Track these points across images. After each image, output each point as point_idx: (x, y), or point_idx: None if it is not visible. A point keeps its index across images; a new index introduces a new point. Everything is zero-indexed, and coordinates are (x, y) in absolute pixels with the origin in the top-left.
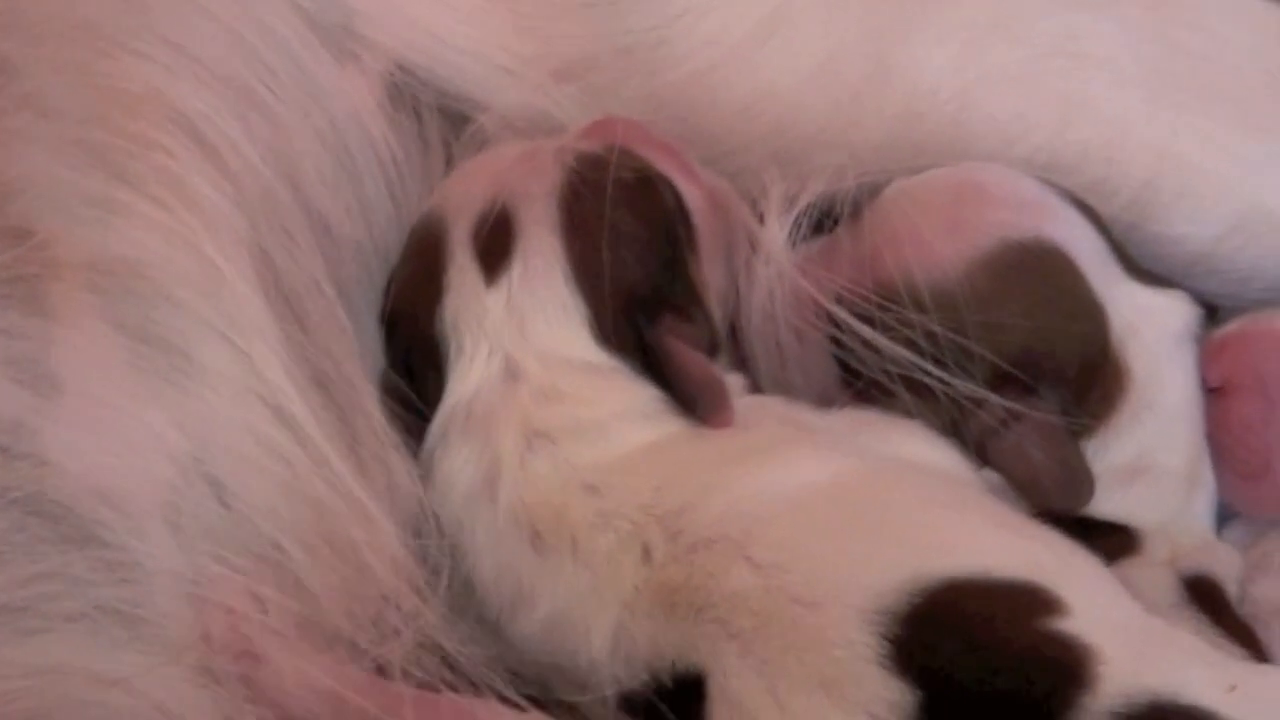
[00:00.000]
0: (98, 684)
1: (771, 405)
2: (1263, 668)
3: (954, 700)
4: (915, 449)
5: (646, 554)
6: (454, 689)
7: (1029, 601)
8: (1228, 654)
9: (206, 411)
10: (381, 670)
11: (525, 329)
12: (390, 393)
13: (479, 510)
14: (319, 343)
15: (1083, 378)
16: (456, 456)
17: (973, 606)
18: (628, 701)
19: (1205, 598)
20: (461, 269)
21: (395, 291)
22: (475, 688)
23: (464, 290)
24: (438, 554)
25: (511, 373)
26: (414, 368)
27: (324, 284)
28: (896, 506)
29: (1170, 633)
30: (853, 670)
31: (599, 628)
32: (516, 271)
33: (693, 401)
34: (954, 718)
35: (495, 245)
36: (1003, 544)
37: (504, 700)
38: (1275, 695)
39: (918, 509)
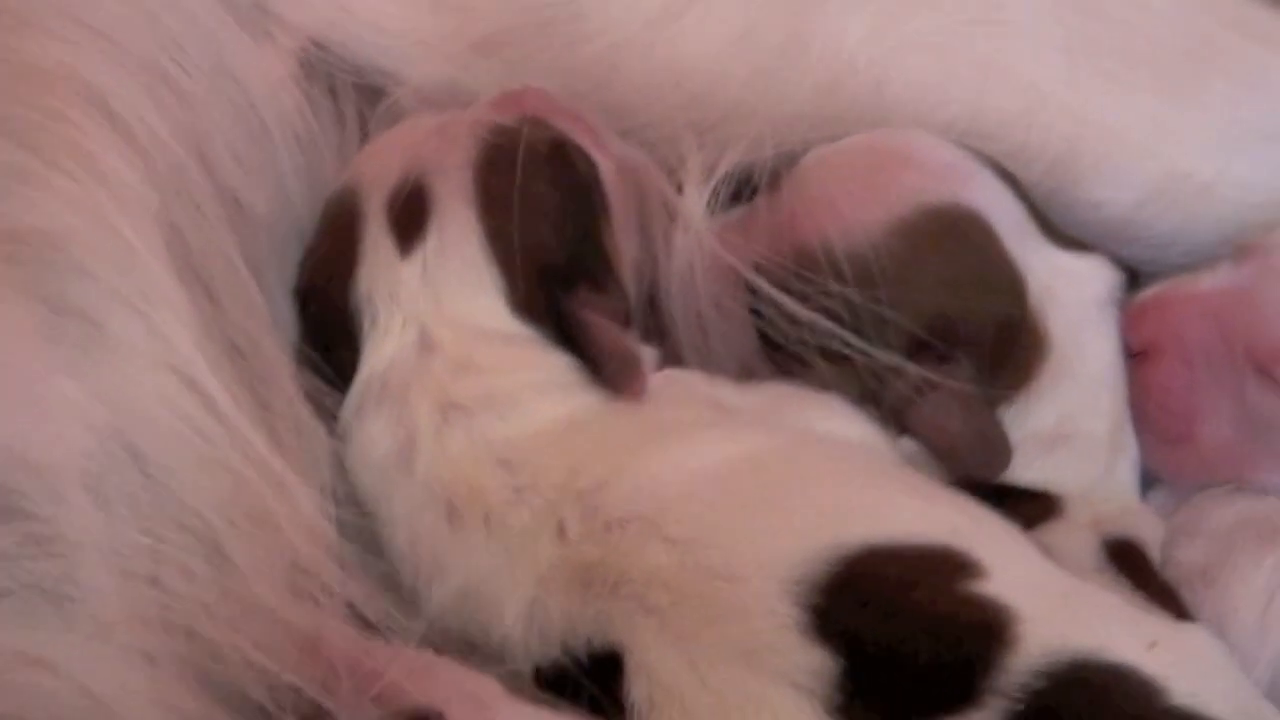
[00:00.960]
0: (24, 664)
1: (688, 380)
2: (1182, 625)
3: (876, 666)
4: (831, 423)
5: (561, 531)
6: None
7: (947, 565)
8: (1146, 611)
9: (122, 383)
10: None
11: (440, 300)
12: (305, 365)
13: (395, 482)
14: (231, 316)
15: (1000, 344)
16: (372, 428)
17: (891, 572)
18: (543, 676)
19: (1128, 561)
20: (376, 241)
21: (310, 264)
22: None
23: (378, 262)
24: (355, 525)
25: (426, 344)
26: (329, 340)
27: (236, 258)
28: (812, 478)
29: (1089, 592)
30: (774, 640)
31: (512, 603)
32: (431, 243)
33: (606, 372)
34: (877, 684)
35: (410, 217)
36: (919, 510)
37: None
38: (1194, 651)
39: (833, 480)
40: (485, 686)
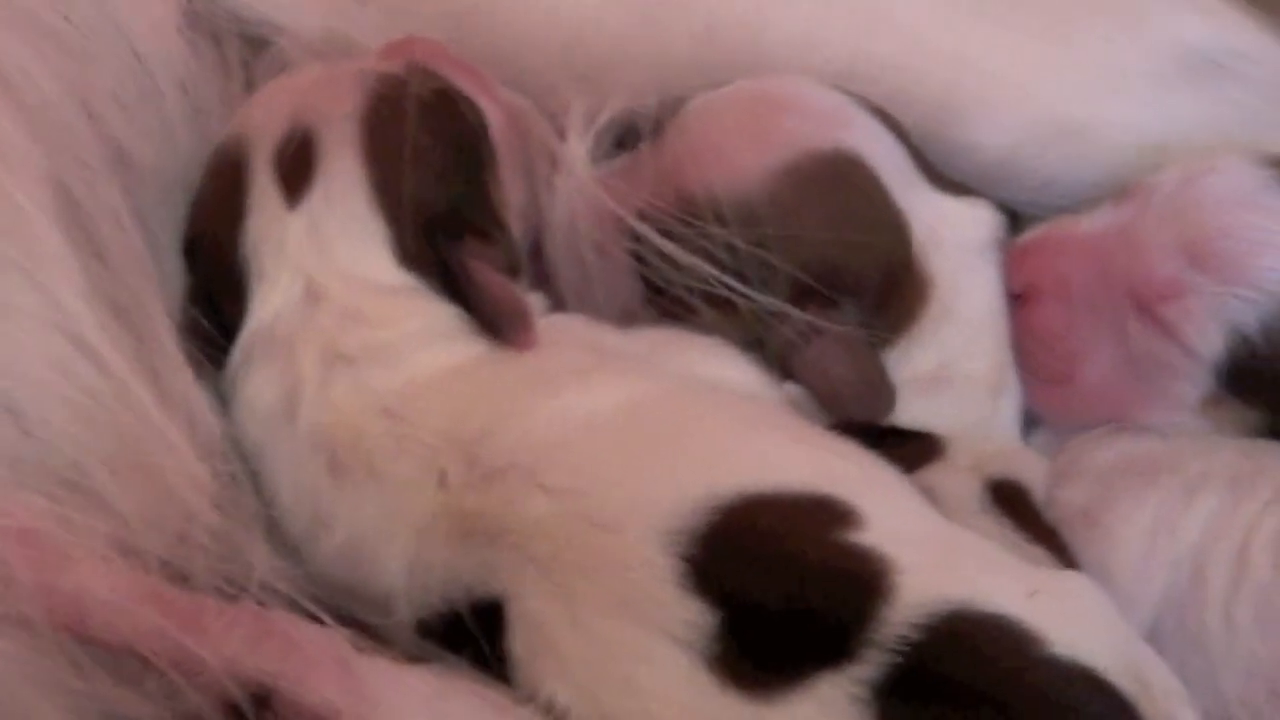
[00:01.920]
0: None
1: (572, 326)
2: (1062, 573)
3: (754, 618)
4: (714, 367)
5: (443, 480)
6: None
7: (824, 515)
8: (1030, 559)
9: (4, 342)
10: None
11: (327, 251)
12: (191, 318)
13: (279, 433)
14: (117, 272)
15: (884, 288)
16: (257, 379)
17: (768, 523)
18: (426, 627)
19: (1011, 502)
20: (263, 192)
21: (196, 216)
22: (284, 608)
23: (265, 213)
24: (241, 477)
25: (313, 295)
26: (216, 292)
27: (123, 213)
28: (690, 426)
29: (969, 541)
30: (651, 592)
31: (394, 554)
32: (318, 194)
33: (494, 323)
34: (755, 635)
35: (296, 168)
36: (797, 458)
37: (311, 618)
38: (1074, 599)
39: (712, 428)
40: (343, 646)
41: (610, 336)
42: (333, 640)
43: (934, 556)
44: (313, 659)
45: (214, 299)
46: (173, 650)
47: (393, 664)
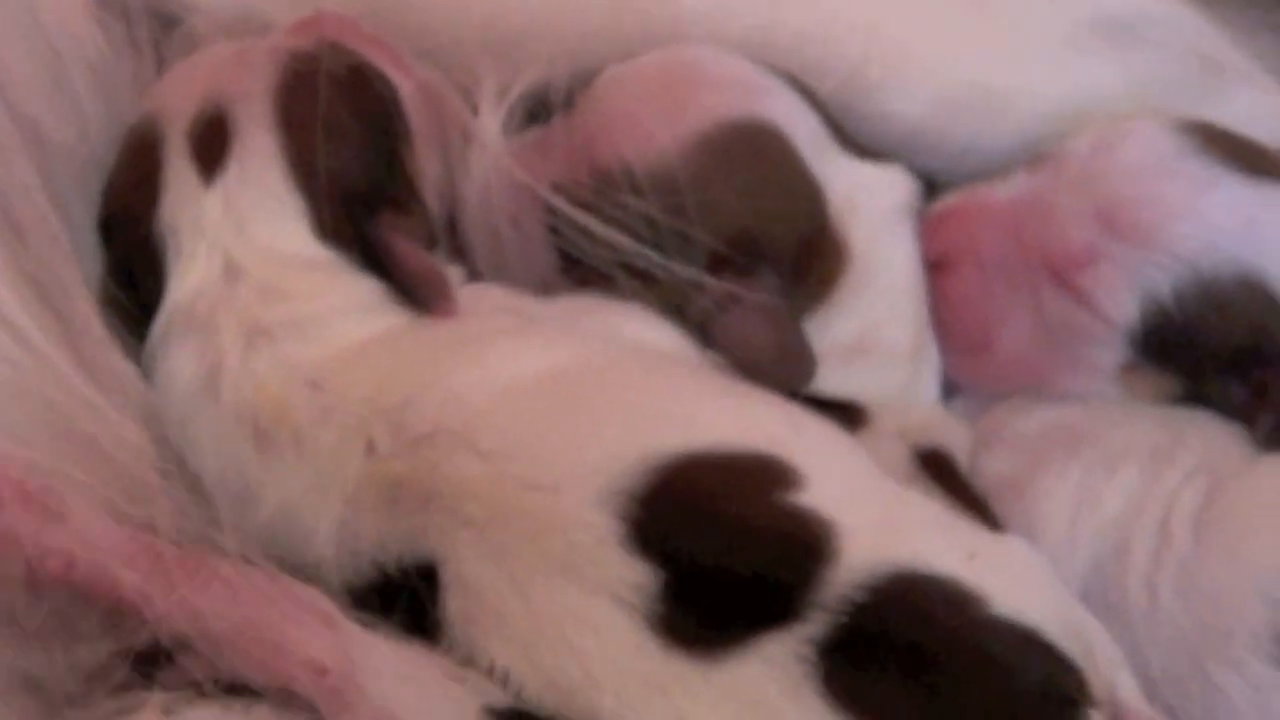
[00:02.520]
0: None
1: (492, 294)
2: (1001, 536)
3: (697, 579)
4: (636, 329)
5: (370, 448)
6: None
7: (765, 476)
8: (965, 521)
9: None
10: None
11: (244, 227)
12: (110, 296)
13: (202, 409)
14: (34, 250)
15: (802, 256)
16: (178, 356)
17: (709, 483)
18: (356, 594)
19: (938, 470)
20: (178, 170)
21: (112, 194)
22: None
23: (181, 191)
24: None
25: (231, 271)
26: (134, 270)
27: (35, 191)
28: (623, 386)
29: (910, 501)
30: (593, 553)
31: (323, 523)
32: (233, 170)
33: (415, 293)
34: (698, 596)
35: (211, 145)
36: (736, 417)
37: None
38: (1013, 560)
39: (646, 387)
40: (327, 603)
41: (530, 303)
42: (319, 598)
43: (875, 517)
44: (300, 616)
45: (132, 277)
46: (163, 604)
47: (363, 630)
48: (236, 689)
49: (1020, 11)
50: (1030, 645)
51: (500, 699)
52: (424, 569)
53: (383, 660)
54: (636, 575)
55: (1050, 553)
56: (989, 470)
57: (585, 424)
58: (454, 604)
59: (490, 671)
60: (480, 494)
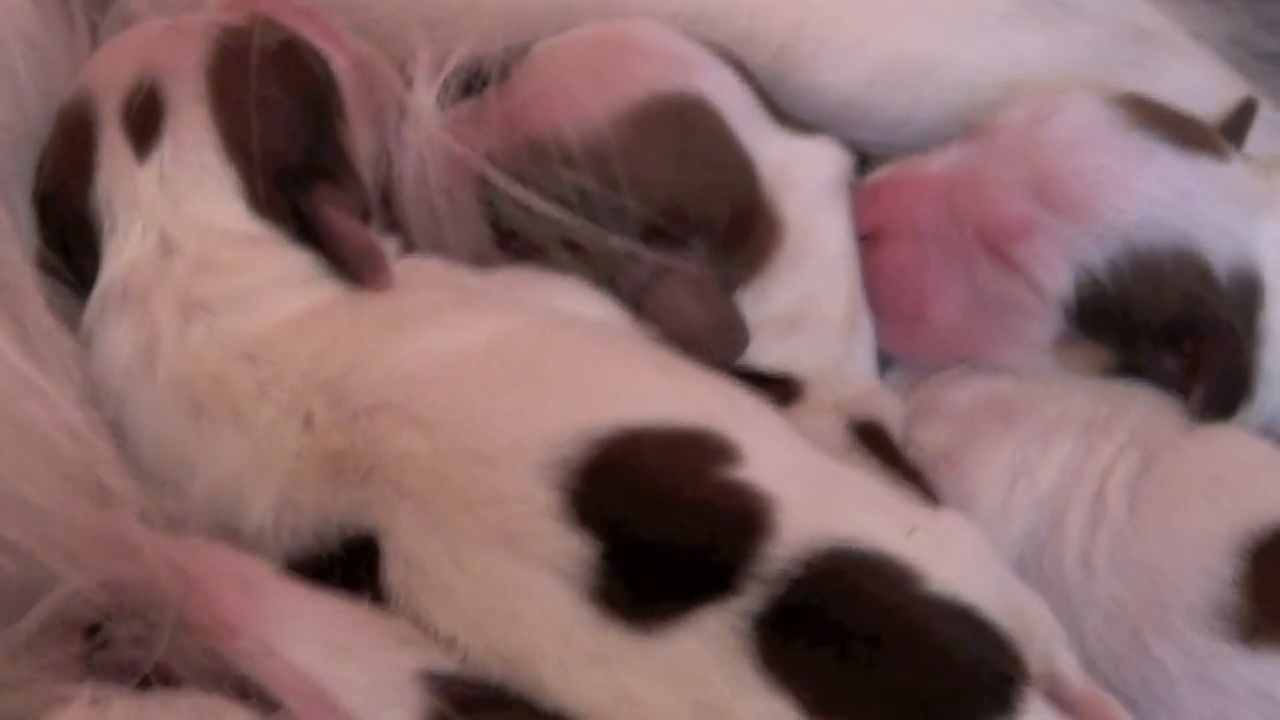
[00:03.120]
0: None
1: (429, 266)
2: (940, 512)
3: (636, 551)
4: (573, 303)
5: (309, 421)
6: None
7: (704, 450)
8: (903, 496)
9: None
10: None
11: (179, 202)
12: (47, 273)
13: (139, 384)
14: None
15: (734, 229)
16: (114, 332)
17: (648, 457)
18: (297, 566)
19: (873, 443)
20: (112, 146)
21: (47, 171)
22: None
23: (115, 167)
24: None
25: (167, 246)
26: (70, 247)
27: None
28: (562, 359)
29: (848, 476)
30: (532, 525)
31: (262, 497)
32: (167, 146)
33: (350, 266)
34: (637, 569)
35: (145, 121)
36: (675, 391)
37: None
38: (951, 536)
39: (584, 360)
40: (254, 569)
41: (467, 276)
42: (246, 564)
43: (813, 492)
44: (215, 578)
45: (68, 253)
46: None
47: (305, 590)
48: (162, 677)
49: None
50: (967, 622)
51: (443, 664)
52: (366, 541)
53: (307, 624)
54: (575, 547)
55: (985, 524)
56: (924, 442)
57: (526, 397)
58: (396, 575)
59: (435, 638)
60: (421, 467)
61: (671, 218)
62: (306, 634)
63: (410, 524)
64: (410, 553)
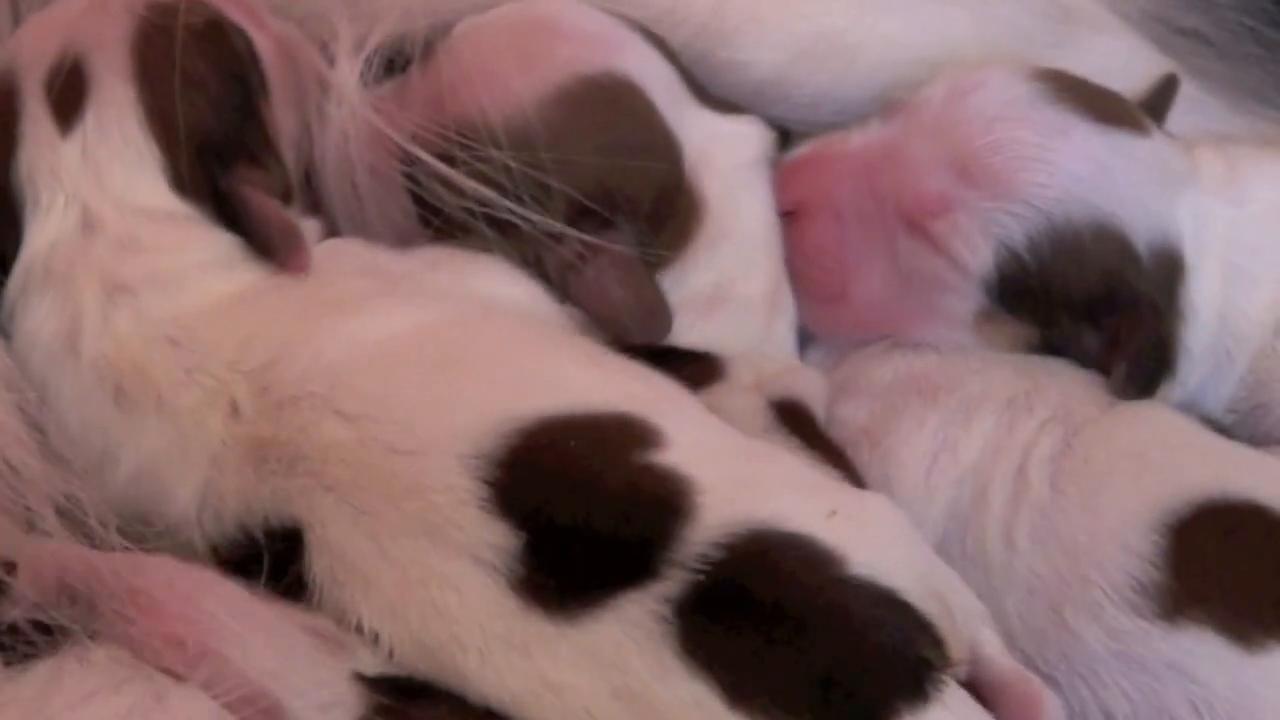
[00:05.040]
0: None
1: (351, 249)
2: (861, 492)
3: (558, 540)
4: (495, 285)
5: (234, 410)
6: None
7: (625, 435)
8: (825, 477)
9: None
10: None
11: (101, 178)
12: None
13: (62, 366)
14: None
15: (658, 209)
16: (36, 312)
17: (568, 444)
18: (219, 554)
19: (795, 422)
20: (35, 119)
21: None
22: (86, 537)
23: (38, 141)
24: (33, 409)
25: (89, 223)
26: None
27: None
28: (484, 349)
29: (769, 458)
30: (454, 516)
31: (186, 484)
32: (90, 121)
33: (269, 247)
34: (560, 557)
35: (68, 95)
36: (595, 378)
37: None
38: (873, 518)
39: (506, 350)
40: (197, 576)
41: (389, 258)
42: (178, 571)
43: (734, 475)
44: (157, 591)
45: None
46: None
47: (243, 593)
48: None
49: None
50: (888, 605)
51: (372, 665)
52: (289, 532)
53: (252, 630)
54: (496, 537)
55: (907, 502)
56: (846, 419)
57: (448, 387)
58: (319, 567)
59: (359, 632)
60: (345, 458)
61: (597, 198)
62: (253, 642)
63: (333, 515)
64: (334, 544)
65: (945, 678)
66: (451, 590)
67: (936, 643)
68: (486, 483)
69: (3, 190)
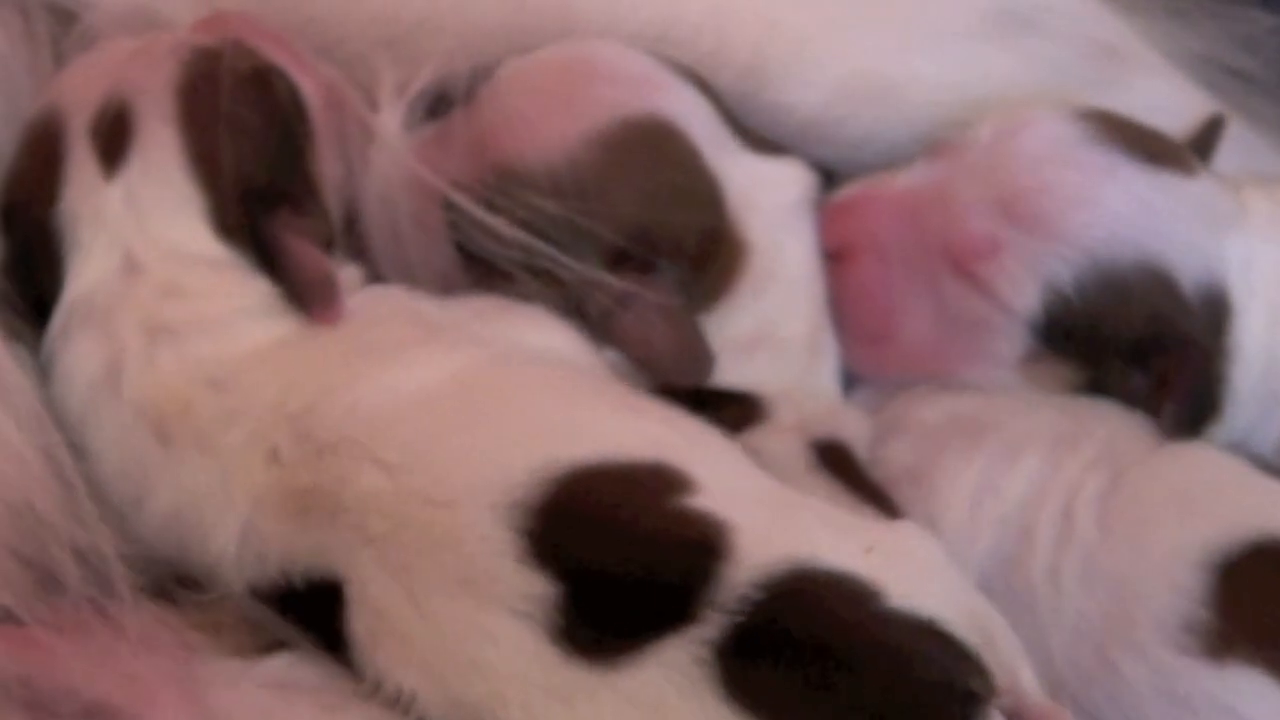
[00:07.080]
0: None
1: (393, 297)
2: (894, 525)
3: (596, 589)
4: (536, 335)
5: (274, 455)
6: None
7: (658, 482)
8: (862, 516)
9: None
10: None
11: (144, 222)
12: (5, 290)
13: (102, 404)
14: None
15: (700, 252)
16: (78, 350)
17: (603, 493)
18: (260, 594)
19: (836, 463)
20: (80, 162)
21: (11, 186)
22: (103, 589)
23: (82, 183)
24: (64, 452)
25: (131, 266)
26: (33, 263)
27: None
28: (520, 398)
29: (802, 500)
30: (490, 567)
31: (226, 522)
32: (135, 165)
33: (301, 297)
34: (597, 605)
35: (113, 139)
36: (627, 427)
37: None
38: (909, 551)
39: (541, 399)
40: (184, 667)
41: (431, 306)
42: (171, 662)
43: (770, 516)
44: (153, 687)
45: (30, 270)
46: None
47: (237, 666)
48: None
49: (917, 1)
50: (930, 637)
51: None
52: (330, 585)
53: (254, 711)
54: (534, 587)
55: (951, 541)
56: (891, 460)
57: (484, 437)
58: (359, 623)
59: (398, 694)
60: (383, 509)
61: (639, 243)
62: None
63: (371, 570)
64: (372, 599)
65: (992, 710)
66: (490, 643)
67: (981, 673)
68: (522, 533)
69: (46, 232)
